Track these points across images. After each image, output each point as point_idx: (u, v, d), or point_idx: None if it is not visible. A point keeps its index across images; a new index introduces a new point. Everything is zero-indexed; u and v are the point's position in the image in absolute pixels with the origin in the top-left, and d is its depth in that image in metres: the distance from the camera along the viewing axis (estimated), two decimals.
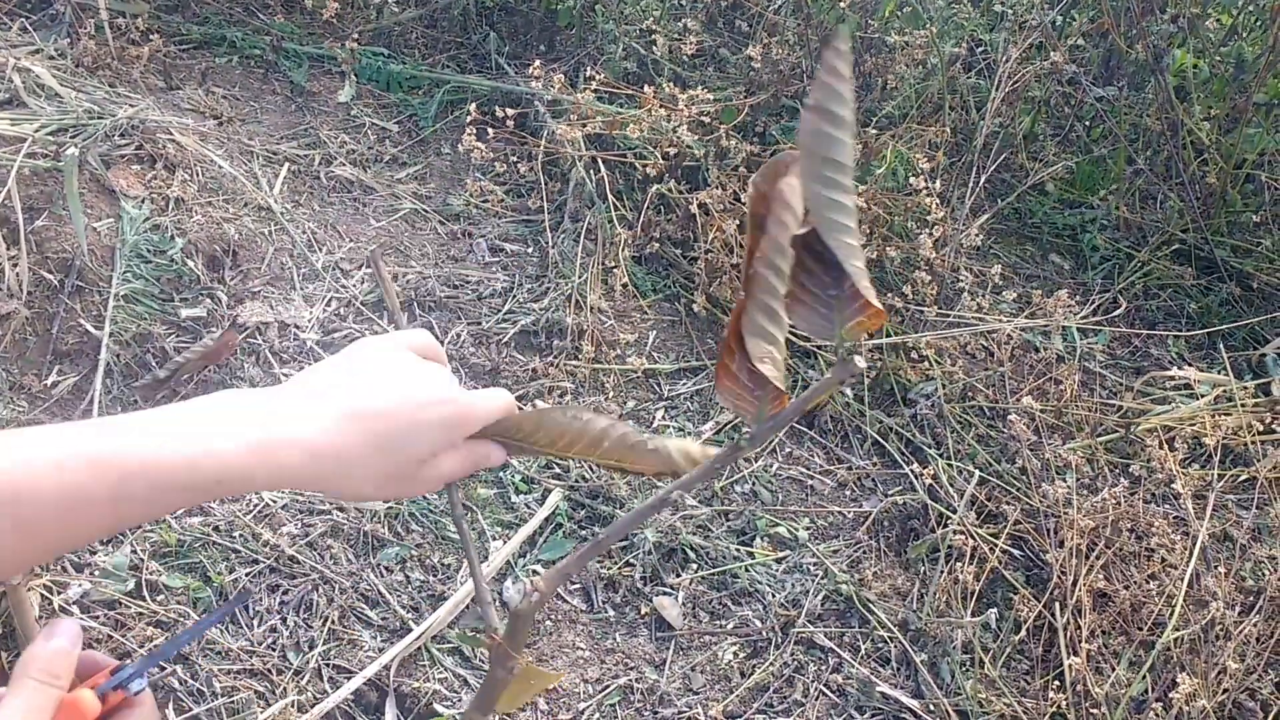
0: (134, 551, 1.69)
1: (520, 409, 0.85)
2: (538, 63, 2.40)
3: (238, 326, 2.03)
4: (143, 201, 2.10)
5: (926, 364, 2.21)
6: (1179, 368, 2.25)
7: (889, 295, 2.28)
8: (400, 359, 0.81)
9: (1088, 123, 2.85)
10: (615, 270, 2.29)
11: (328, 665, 1.65)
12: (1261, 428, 2.05)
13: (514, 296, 2.28)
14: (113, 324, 1.94)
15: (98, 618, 1.59)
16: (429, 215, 2.45)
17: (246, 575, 1.71)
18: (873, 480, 2.09)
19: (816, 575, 1.90)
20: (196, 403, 0.75)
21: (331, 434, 0.75)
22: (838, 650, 1.79)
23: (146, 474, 0.69)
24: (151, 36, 2.57)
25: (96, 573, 1.64)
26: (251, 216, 2.23)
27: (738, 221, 2.25)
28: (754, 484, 2.05)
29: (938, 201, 2.18)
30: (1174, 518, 1.92)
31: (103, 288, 1.98)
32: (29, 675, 0.69)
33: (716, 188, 2.31)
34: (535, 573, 1.83)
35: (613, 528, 0.83)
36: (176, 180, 2.17)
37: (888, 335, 2.24)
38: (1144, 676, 1.67)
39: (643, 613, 1.83)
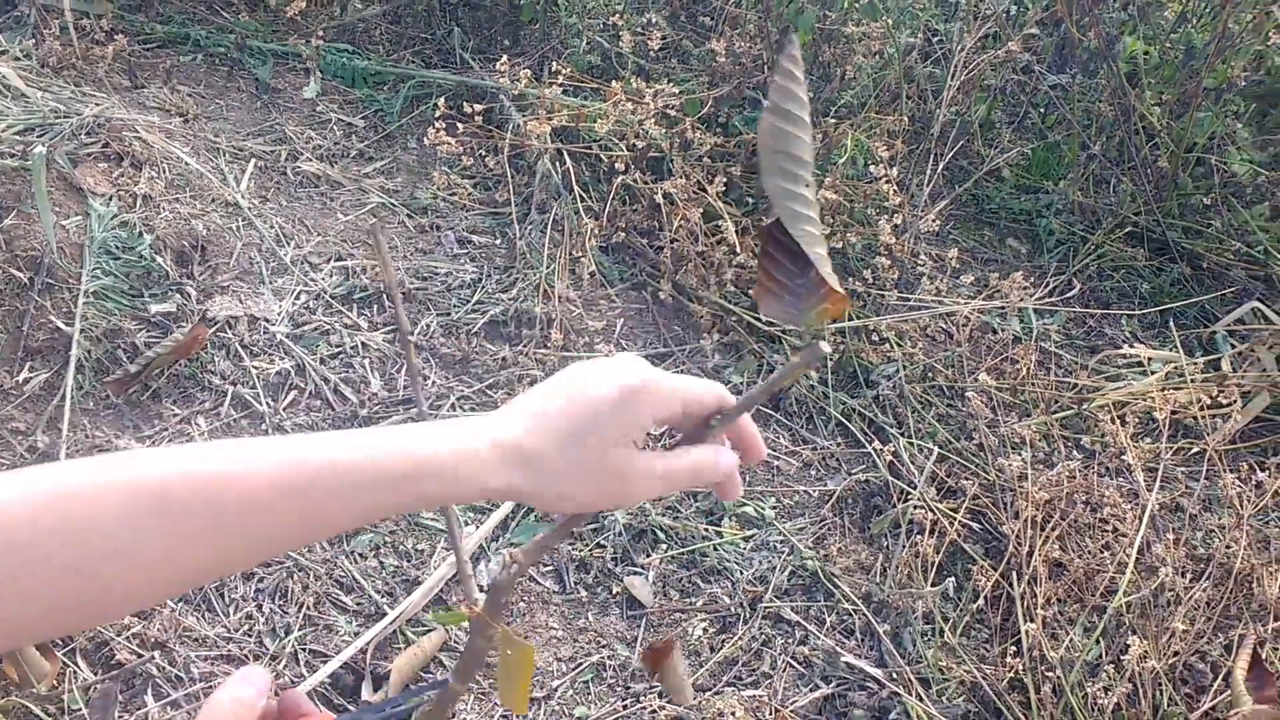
0: None
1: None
2: (505, 58, 2.43)
3: (207, 321, 2.05)
4: (110, 199, 2.12)
5: (888, 346, 2.26)
6: (1131, 345, 2.31)
7: (851, 280, 2.33)
8: (601, 363, 0.76)
9: (1042, 109, 2.91)
10: (582, 260, 2.33)
11: (304, 650, 1.68)
12: (1210, 401, 2.11)
13: (483, 287, 2.32)
14: (83, 320, 1.96)
15: None
16: (396, 209, 2.48)
17: None
18: (837, 460, 2.14)
19: (783, 552, 1.95)
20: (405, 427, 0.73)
21: (520, 433, 0.72)
22: (804, 623, 1.83)
23: (338, 472, 0.66)
24: (116, 36, 2.58)
25: None
26: (219, 212, 2.25)
27: (702, 210, 2.30)
28: None
29: (896, 189, 2.23)
30: (1126, 490, 1.98)
31: (72, 285, 1.99)
32: (227, 698, 0.65)
33: (681, 178, 2.35)
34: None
35: None
36: (143, 177, 2.19)
37: (850, 319, 2.29)
38: (1098, 640, 1.73)
39: (614, 592, 1.87)
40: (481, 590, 1.75)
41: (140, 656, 1.58)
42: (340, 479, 0.66)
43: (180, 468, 0.64)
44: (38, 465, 0.60)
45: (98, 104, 2.29)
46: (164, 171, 2.24)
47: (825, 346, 0.73)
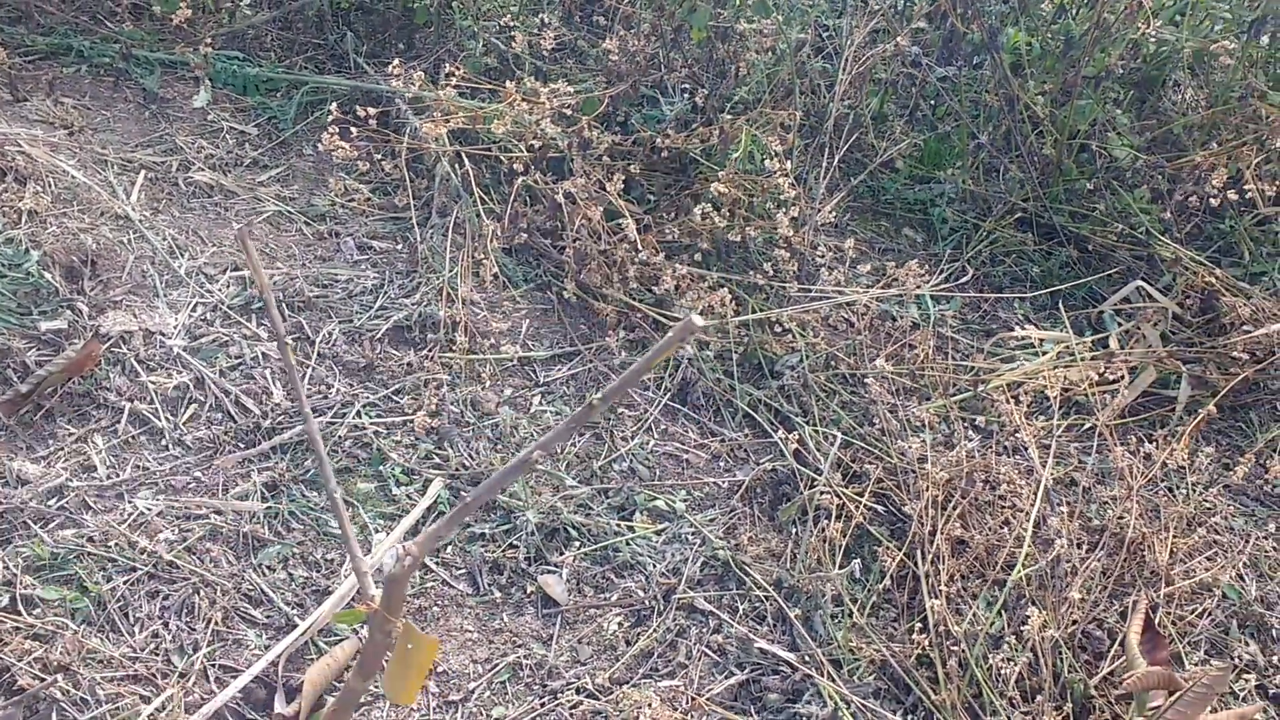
0: (5, 567, 1.66)
1: None
2: (397, 61, 2.42)
3: (100, 337, 2.00)
4: None
5: (791, 337, 2.30)
6: (1023, 327, 2.38)
7: (752, 274, 2.36)
8: None
9: (932, 101, 2.99)
10: (485, 262, 2.33)
11: (213, 665, 1.65)
12: (1099, 378, 2.19)
13: (385, 293, 2.30)
14: None
15: None
16: (294, 217, 2.45)
17: (124, 583, 1.70)
18: (745, 451, 2.17)
19: (695, 544, 1.97)
20: None
21: None
22: (717, 612, 1.86)
23: None
24: None
25: None
26: (109, 226, 2.20)
27: (603, 209, 2.31)
28: (631, 461, 2.11)
29: (791, 181, 2.27)
30: (1023, 467, 2.04)
31: None
32: None
33: (581, 177, 2.36)
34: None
35: (478, 490, 0.87)
36: (29, 192, 2.13)
37: (753, 311, 2.32)
38: (999, 614, 1.78)
39: (528, 592, 1.88)
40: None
41: (43, 681, 1.54)
42: None
43: None
44: None
45: None
46: (50, 186, 2.18)
47: (697, 319, 0.75)
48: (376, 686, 1.69)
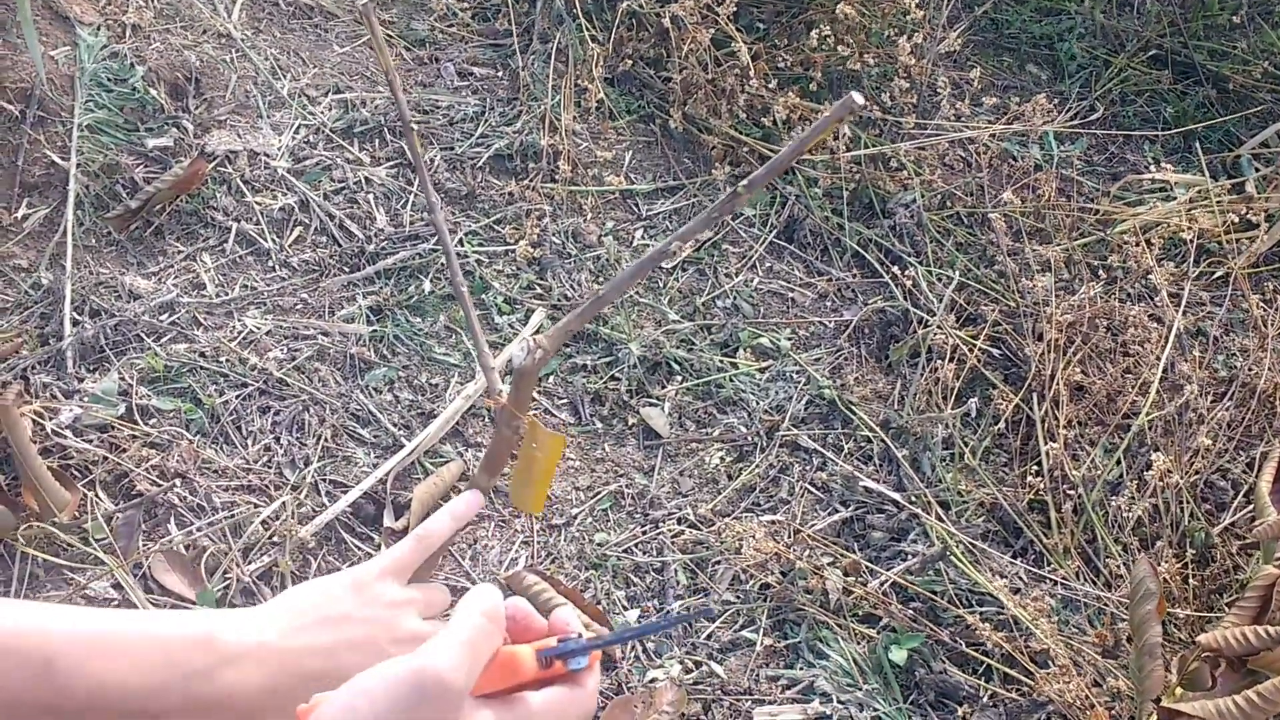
0: (122, 377, 1.69)
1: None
2: None
3: (206, 155, 1.99)
4: (98, 28, 2.03)
5: (905, 174, 2.20)
6: (1156, 169, 2.25)
7: (867, 105, 2.25)
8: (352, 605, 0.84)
9: None
10: (589, 90, 2.25)
11: (324, 480, 1.67)
12: (1237, 220, 2.06)
13: (486, 120, 2.24)
14: (79, 155, 1.90)
15: (91, 441, 1.61)
16: (394, 41, 2.38)
17: (236, 398, 1.72)
18: (853, 290, 2.11)
19: (799, 382, 1.93)
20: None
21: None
22: (821, 450, 1.83)
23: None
24: None
25: (86, 398, 1.64)
26: (211, 44, 2.16)
27: (712, 33, 2.20)
28: (735, 299, 2.06)
29: (919, 1, 2.14)
30: (1150, 315, 1.95)
31: (65, 118, 1.93)
32: (479, 610, 0.66)
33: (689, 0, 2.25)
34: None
35: (613, 282, 0.83)
36: (132, 6, 2.09)
37: (865, 146, 2.22)
38: (1119, 460, 1.72)
39: (630, 424, 1.86)
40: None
41: (160, 486, 1.58)
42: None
43: None
44: None
45: None
46: (152, 1, 2.14)
47: (858, 97, 0.69)
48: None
